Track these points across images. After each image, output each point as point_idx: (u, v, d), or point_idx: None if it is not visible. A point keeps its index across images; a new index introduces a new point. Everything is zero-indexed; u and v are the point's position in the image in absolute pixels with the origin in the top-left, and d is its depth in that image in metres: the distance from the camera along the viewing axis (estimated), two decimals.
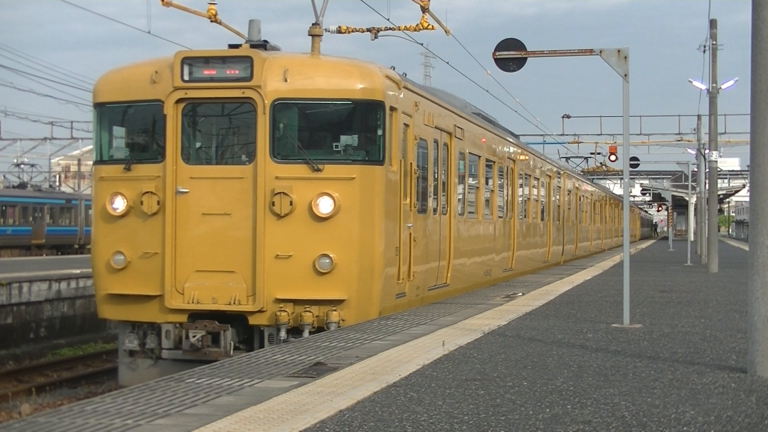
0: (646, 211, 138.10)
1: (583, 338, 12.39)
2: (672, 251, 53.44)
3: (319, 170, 13.89)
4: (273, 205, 13.78)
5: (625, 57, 14.22)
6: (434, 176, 17.52)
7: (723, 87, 33.82)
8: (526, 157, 28.47)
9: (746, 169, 75.10)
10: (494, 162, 23.46)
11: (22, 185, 66.76)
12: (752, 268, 9.48)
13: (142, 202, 14.18)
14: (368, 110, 14.25)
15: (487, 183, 22.83)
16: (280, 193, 13.78)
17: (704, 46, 34.45)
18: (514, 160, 26.13)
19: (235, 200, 14.01)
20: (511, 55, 15.96)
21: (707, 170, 35.06)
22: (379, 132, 14.27)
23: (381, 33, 21.42)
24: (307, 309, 13.77)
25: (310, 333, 13.56)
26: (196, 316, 13.98)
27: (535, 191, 30.00)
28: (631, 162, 58.67)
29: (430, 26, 21.48)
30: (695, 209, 55.61)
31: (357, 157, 14.27)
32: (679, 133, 63.91)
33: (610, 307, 16.83)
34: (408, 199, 15.54)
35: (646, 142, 67.09)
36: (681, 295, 20.21)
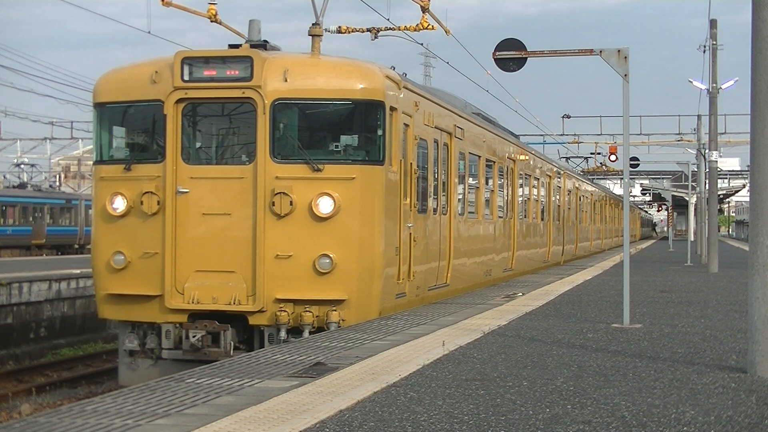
0: (646, 211, 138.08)
1: (583, 338, 12.40)
2: (672, 251, 53.44)
3: (319, 170, 13.89)
4: (273, 205, 13.79)
5: (625, 57, 14.22)
6: (434, 176, 17.52)
7: (723, 87, 33.81)
8: (526, 157, 28.47)
9: (746, 169, 75.10)
10: (494, 162, 23.46)
11: (22, 185, 66.73)
12: (752, 268, 9.48)
13: (142, 202, 14.18)
14: (368, 110, 14.25)
15: (487, 183, 22.83)
16: (280, 193, 13.78)
17: (704, 46, 34.47)
18: (514, 160, 26.13)
19: (235, 200, 14.02)
20: (511, 55, 15.96)
21: (707, 170, 35.05)
22: (379, 132, 14.27)
23: (381, 33, 21.41)
24: (307, 309, 13.77)
25: (310, 333, 13.56)
26: (196, 316, 13.98)
27: (535, 191, 30.00)
28: (631, 162, 58.67)
29: (430, 26, 21.48)
30: (695, 209, 55.60)
31: (357, 157, 14.27)
32: (679, 133, 63.95)
33: (610, 307, 16.83)
34: (408, 199, 15.54)
35: (646, 142, 67.11)
36: (681, 295, 20.21)
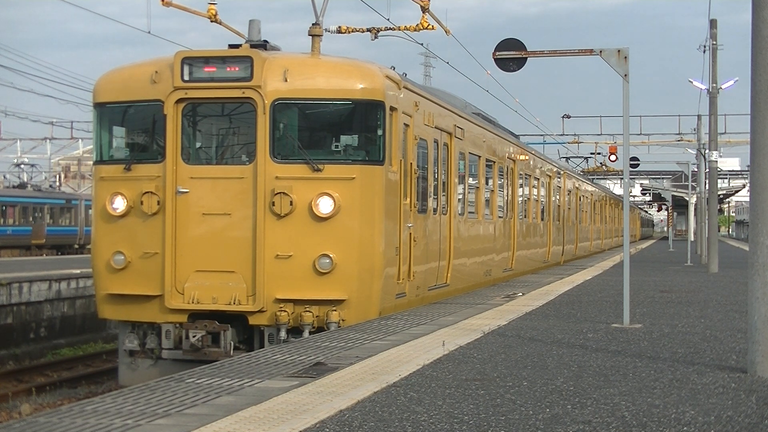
0: (646, 211, 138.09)
1: (583, 338, 12.40)
2: (672, 251, 53.44)
3: (319, 170, 13.89)
4: (273, 205, 13.79)
5: (625, 57, 14.22)
6: (434, 176, 17.52)
7: (723, 87, 33.82)
8: (526, 157, 28.47)
9: (746, 169, 75.09)
10: (494, 162, 23.46)
11: (22, 185, 66.73)
12: (752, 268, 9.48)
13: (142, 202, 14.18)
14: (368, 110, 14.25)
15: (487, 183, 22.82)
16: (280, 193, 13.78)
17: (704, 46, 34.47)
18: (514, 160, 26.13)
19: (235, 200, 14.02)
20: (511, 55, 15.96)
21: (707, 170, 35.06)
22: (379, 132, 14.27)
23: (381, 33, 21.41)
24: (307, 309, 13.77)
25: (310, 333, 13.56)
26: (196, 316, 13.98)
27: (535, 191, 30.00)
28: (631, 162, 58.66)
29: (430, 26, 21.48)
30: (695, 209, 55.59)
31: (357, 157, 14.27)
32: (679, 133, 63.96)
33: (610, 307, 16.83)
34: (408, 199, 15.54)
35: (646, 142, 67.12)
36: (681, 295, 20.21)
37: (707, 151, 34.80)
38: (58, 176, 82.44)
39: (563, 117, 63.89)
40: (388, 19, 22.54)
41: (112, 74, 15.02)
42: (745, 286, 10.04)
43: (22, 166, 71.67)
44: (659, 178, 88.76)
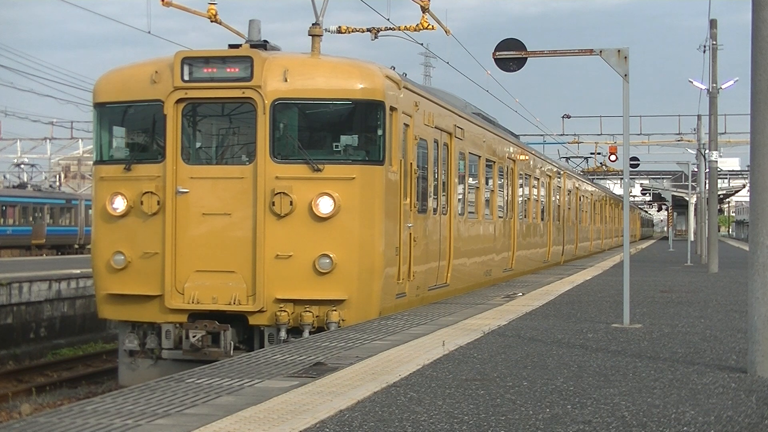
0: (646, 211, 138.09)
1: (583, 338, 12.40)
2: (672, 251, 53.43)
3: (319, 170, 13.89)
4: (273, 205, 13.79)
5: (625, 57, 14.22)
6: (434, 176, 17.52)
7: (723, 87, 33.84)
8: (526, 157, 28.47)
9: (746, 169, 75.09)
10: (494, 162, 23.46)
11: (22, 185, 66.73)
12: (752, 268, 9.48)
13: (142, 202, 14.18)
14: (368, 110, 14.25)
15: (487, 183, 22.83)
16: (280, 193, 13.79)
17: (704, 46, 34.49)
18: (514, 160, 26.13)
19: (235, 200, 14.02)
20: (511, 55, 15.97)
21: (707, 170, 35.07)
22: (379, 132, 14.27)
23: (381, 33, 21.42)
24: (307, 309, 13.77)
25: (310, 333, 13.57)
26: (196, 316, 13.99)
27: (535, 191, 30.00)
28: (631, 162, 58.72)
29: (430, 26, 21.50)
30: (695, 209, 55.59)
31: (357, 157, 14.27)
32: (679, 133, 64.00)
33: (610, 307, 16.83)
34: (408, 199, 15.54)
35: (646, 142, 67.13)
36: (681, 295, 20.21)
37: (707, 151, 34.81)
38: (58, 176, 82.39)
39: (563, 117, 64.02)
40: (388, 19, 22.55)
41: (112, 74, 15.02)
42: (745, 286, 10.04)
43: (22, 166, 71.66)
44: (659, 178, 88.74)
